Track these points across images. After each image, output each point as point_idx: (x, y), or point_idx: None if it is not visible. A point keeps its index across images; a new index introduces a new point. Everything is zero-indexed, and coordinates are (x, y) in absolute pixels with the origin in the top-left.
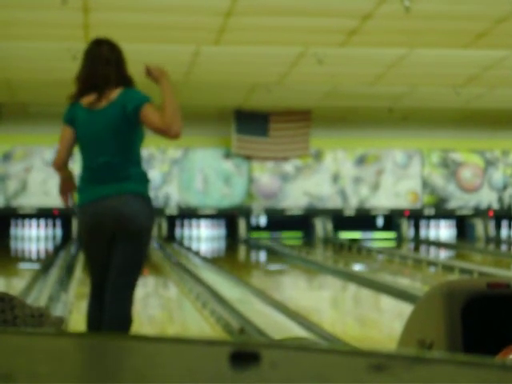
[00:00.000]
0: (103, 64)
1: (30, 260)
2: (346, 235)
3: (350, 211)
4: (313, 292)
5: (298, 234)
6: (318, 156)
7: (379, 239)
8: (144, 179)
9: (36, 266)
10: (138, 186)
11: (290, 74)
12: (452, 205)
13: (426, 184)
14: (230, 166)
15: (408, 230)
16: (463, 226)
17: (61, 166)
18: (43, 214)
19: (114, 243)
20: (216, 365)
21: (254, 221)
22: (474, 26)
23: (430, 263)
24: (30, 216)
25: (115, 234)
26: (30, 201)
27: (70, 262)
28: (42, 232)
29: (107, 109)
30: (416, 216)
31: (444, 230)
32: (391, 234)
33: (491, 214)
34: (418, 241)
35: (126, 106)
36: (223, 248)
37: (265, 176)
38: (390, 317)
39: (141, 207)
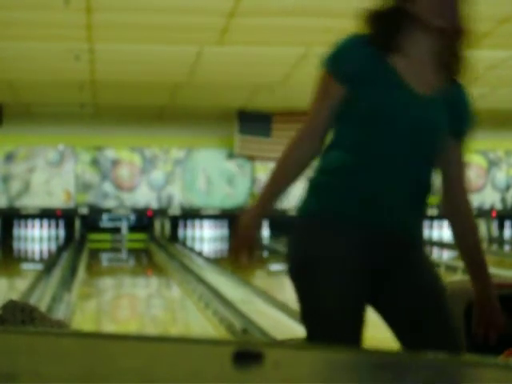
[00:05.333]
0: None
1: (33, 260)
2: None
3: None
4: None
5: None
6: None
7: None
8: None
9: (39, 267)
10: None
11: (294, 74)
12: None
13: None
14: (233, 166)
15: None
16: None
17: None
18: (46, 214)
19: None
20: (219, 364)
21: None
22: (476, 27)
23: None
24: (33, 216)
25: None
26: (33, 201)
27: (72, 263)
28: (45, 232)
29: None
30: None
31: (447, 231)
32: None
33: (494, 214)
34: None
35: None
36: (226, 248)
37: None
38: None
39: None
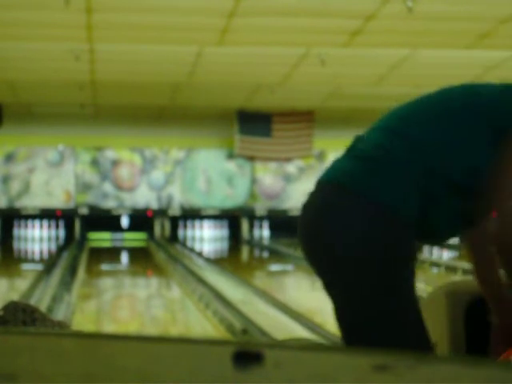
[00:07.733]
0: None
1: (33, 261)
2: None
3: None
4: (316, 293)
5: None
6: (321, 157)
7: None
8: None
9: (39, 267)
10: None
11: (293, 74)
12: None
13: None
14: (233, 166)
15: None
16: None
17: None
18: (46, 214)
19: None
20: (219, 365)
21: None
22: (477, 27)
23: (433, 264)
24: (33, 217)
25: None
26: (33, 201)
27: (72, 263)
28: (45, 233)
29: None
30: None
31: None
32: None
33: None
34: None
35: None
36: (226, 249)
37: (268, 177)
38: None
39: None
